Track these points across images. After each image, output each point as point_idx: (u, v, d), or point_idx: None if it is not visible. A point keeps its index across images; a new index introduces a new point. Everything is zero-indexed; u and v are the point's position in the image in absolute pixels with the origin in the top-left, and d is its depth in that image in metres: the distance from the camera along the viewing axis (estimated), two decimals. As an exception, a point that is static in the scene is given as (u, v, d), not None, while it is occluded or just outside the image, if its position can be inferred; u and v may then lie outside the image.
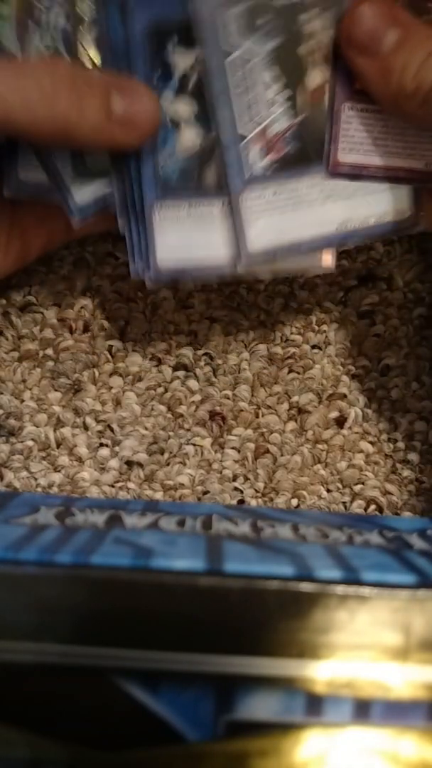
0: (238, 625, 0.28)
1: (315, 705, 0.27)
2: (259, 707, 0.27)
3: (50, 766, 0.27)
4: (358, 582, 0.28)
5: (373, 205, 0.36)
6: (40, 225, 0.39)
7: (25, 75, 0.30)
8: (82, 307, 0.44)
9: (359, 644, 0.28)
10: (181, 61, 0.33)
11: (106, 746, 0.27)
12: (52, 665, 0.27)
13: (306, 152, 0.35)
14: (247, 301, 0.44)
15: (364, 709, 0.27)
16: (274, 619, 0.27)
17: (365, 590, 0.28)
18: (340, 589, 0.28)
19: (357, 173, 0.35)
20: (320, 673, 0.27)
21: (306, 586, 0.28)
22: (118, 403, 0.44)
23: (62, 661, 0.27)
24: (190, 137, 0.34)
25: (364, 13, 0.32)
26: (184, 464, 0.44)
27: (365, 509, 0.44)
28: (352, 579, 0.28)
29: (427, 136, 0.34)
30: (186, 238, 0.36)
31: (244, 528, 0.34)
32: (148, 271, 0.36)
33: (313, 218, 0.35)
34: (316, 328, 0.44)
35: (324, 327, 0.44)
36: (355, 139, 0.34)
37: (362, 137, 0.34)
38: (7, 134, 0.31)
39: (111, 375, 0.44)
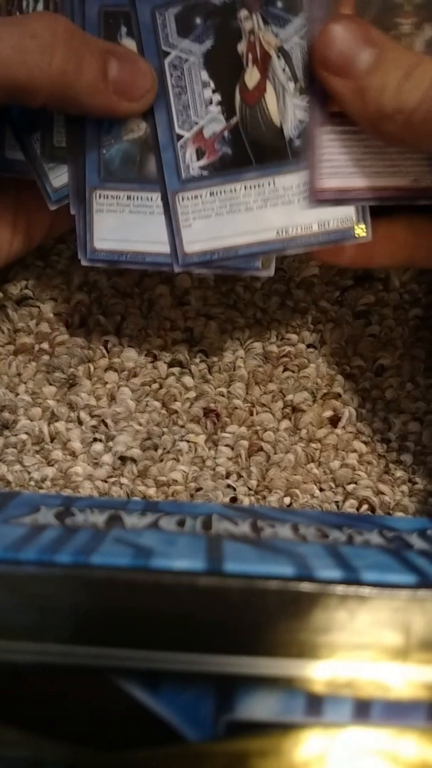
0: (238, 625, 0.28)
1: (315, 705, 0.27)
2: (259, 707, 0.27)
3: (50, 766, 0.27)
4: (358, 582, 0.28)
5: (315, 212, 0.35)
6: (43, 209, 0.38)
7: (23, 30, 0.30)
8: (78, 302, 0.44)
9: (359, 644, 0.28)
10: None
11: (106, 746, 0.27)
12: (52, 665, 0.27)
13: (244, 155, 0.34)
14: (243, 299, 0.44)
15: (364, 709, 0.28)
16: (274, 619, 0.27)
17: (365, 590, 0.28)
18: (340, 589, 0.28)
19: (341, 197, 0.34)
20: (320, 673, 0.27)
21: (306, 586, 0.28)
22: (112, 398, 0.44)
23: (62, 661, 0.27)
24: (135, 121, 0.34)
25: (336, 34, 0.31)
26: (178, 461, 0.44)
27: (357, 509, 0.44)
28: (352, 579, 0.28)
29: (411, 151, 0.34)
30: (124, 226, 0.35)
31: (244, 528, 0.34)
32: (84, 252, 0.36)
33: (251, 223, 0.35)
34: (312, 327, 0.44)
35: (320, 326, 0.44)
36: (336, 162, 0.34)
37: (343, 160, 0.34)
38: (5, 92, 0.30)
39: (106, 370, 0.44)
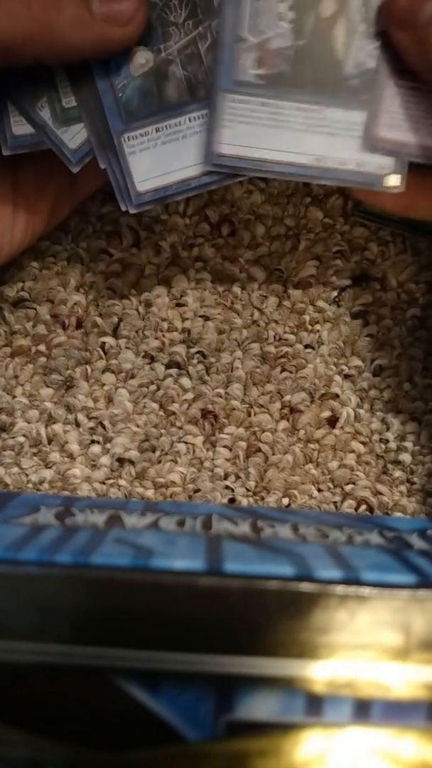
0: (238, 625, 0.27)
1: (315, 705, 0.27)
2: (259, 707, 0.27)
3: (50, 766, 0.27)
4: (358, 582, 0.28)
5: (353, 151, 0.35)
6: (44, 190, 0.39)
7: None
8: (75, 304, 0.44)
9: (359, 644, 0.28)
10: None
11: (106, 746, 0.27)
12: (52, 665, 0.27)
13: (301, 77, 0.34)
14: (240, 300, 0.44)
15: (364, 709, 0.28)
16: (274, 619, 0.27)
17: (365, 590, 0.28)
18: (340, 589, 0.28)
19: (396, 150, 0.35)
20: (320, 673, 0.27)
21: (306, 586, 0.28)
22: (110, 400, 0.44)
23: (62, 661, 0.27)
24: (142, 55, 0.34)
25: None
26: (176, 462, 0.44)
27: (356, 509, 0.44)
28: (352, 579, 0.28)
29: None
30: (161, 159, 0.35)
31: (244, 528, 0.34)
32: (130, 200, 0.36)
33: (291, 143, 0.35)
34: (310, 327, 0.44)
35: (317, 327, 0.44)
36: (397, 116, 0.34)
37: (405, 115, 0.34)
38: None
39: (103, 372, 0.44)
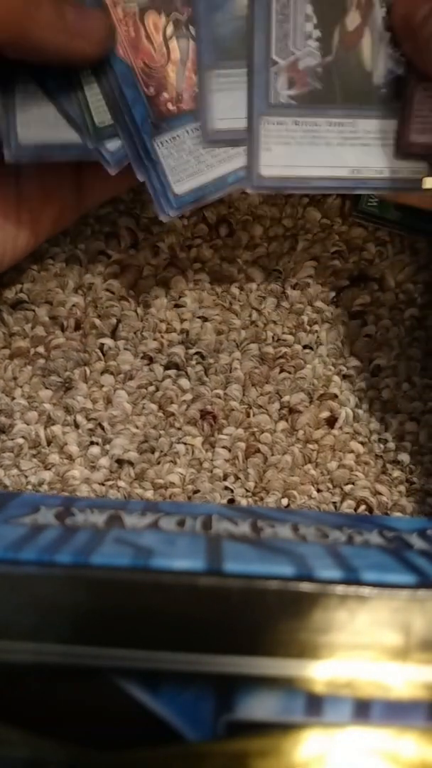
0: (238, 625, 0.27)
1: (315, 705, 0.27)
2: (259, 707, 0.27)
3: (50, 766, 0.27)
4: (358, 582, 0.28)
5: (389, 158, 0.36)
6: (49, 201, 0.39)
7: None
8: (73, 305, 0.44)
9: (359, 644, 0.28)
10: None
11: (106, 746, 0.27)
12: (52, 665, 0.27)
13: (332, 92, 0.35)
14: (239, 301, 0.44)
15: (364, 709, 0.27)
16: (274, 619, 0.27)
17: (365, 590, 0.28)
18: (340, 589, 0.28)
19: (429, 153, 0.35)
20: (320, 673, 0.27)
21: (306, 586, 0.28)
22: (109, 401, 0.44)
23: (62, 661, 0.27)
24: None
25: (399, 1, 0.33)
26: (175, 463, 0.44)
27: (355, 509, 0.44)
28: (352, 579, 0.28)
29: None
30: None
31: (244, 528, 0.34)
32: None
33: (327, 157, 0.36)
34: (308, 328, 0.44)
35: (315, 327, 0.44)
36: (429, 119, 0.35)
37: None
38: None
39: (102, 373, 0.44)
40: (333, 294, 0.45)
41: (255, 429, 0.44)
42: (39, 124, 0.35)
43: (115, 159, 0.36)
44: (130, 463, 0.44)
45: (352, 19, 0.34)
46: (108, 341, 0.44)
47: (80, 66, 0.34)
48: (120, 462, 0.44)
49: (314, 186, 0.36)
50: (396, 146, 0.36)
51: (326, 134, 0.36)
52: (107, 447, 0.44)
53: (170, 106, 0.35)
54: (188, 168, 0.36)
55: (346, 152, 0.36)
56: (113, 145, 0.35)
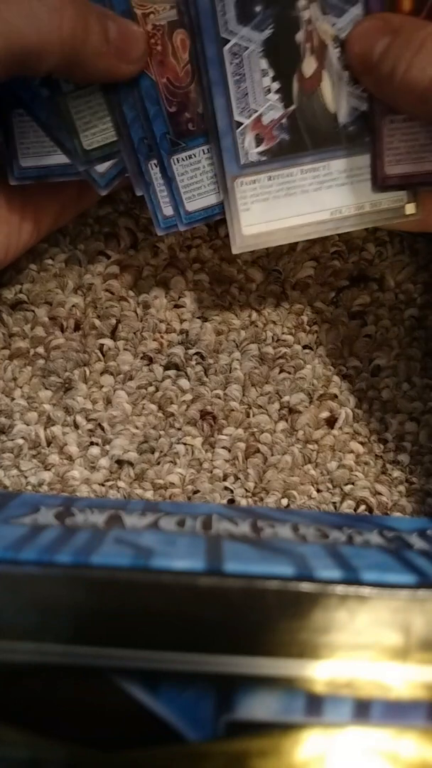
0: (238, 625, 0.27)
1: (315, 705, 0.27)
2: (259, 707, 0.27)
3: (50, 766, 0.27)
4: (358, 582, 0.28)
5: (366, 193, 0.36)
6: (52, 195, 0.39)
7: None
8: (73, 306, 0.44)
9: (359, 644, 0.28)
10: None
11: (106, 746, 0.27)
12: (52, 665, 0.27)
13: (300, 141, 0.35)
14: (238, 301, 0.44)
15: (364, 709, 0.27)
16: (274, 619, 0.27)
17: (365, 590, 0.28)
18: (340, 589, 0.28)
19: (405, 182, 0.35)
20: (320, 673, 0.27)
21: (306, 586, 0.28)
22: (108, 401, 0.44)
23: (62, 661, 0.27)
24: None
25: (354, 35, 0.33)
26: (175, 463, 0.44)
27: (355, 509, 0.44)
28: (352, 579, 0.28)
29: None
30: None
31: (244, 528, 0.34)
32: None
33: (306, 205, 0.36)
34: (308, 328, 0.44)
35: (315, 327, 0.44)
36: (400, 150, 0.35)
37: (407, 147, 0.35)
38: (16, 60, 0.30)
39: (102, 374, 0.44)
40: (333, 294, 0.45)
41: (255, 429, 0.44)
42: (37, 149, 0.36)
43: (104, 181, 0.37)
44: (130, 464, 0.44)
45: (309, 65, 0.34)
46: (108, 342, 0.44)
47: (116, 82, 0.34)
48: (120, 462, 0.44)
49: (299, 234, 0.37)
50: (373, 181, 0.36)
51: (301, 182, 0.36)
52: (107, 447, 0.44)
53: (190, 126, 0.35)
54: (201, 187, 0.37)
55: (323, 196, 0.36)
56: (102, 167, 0.36)
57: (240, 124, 0.35)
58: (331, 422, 0.44)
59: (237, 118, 0.35)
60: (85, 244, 0.44)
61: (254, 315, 0.44)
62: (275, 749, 0.27)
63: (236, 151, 0.35)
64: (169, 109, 0.35)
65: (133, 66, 0.33)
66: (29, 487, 0.43)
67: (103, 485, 0.43)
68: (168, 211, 0.37)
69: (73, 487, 0.43)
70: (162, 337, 0.44)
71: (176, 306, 0.44)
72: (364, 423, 0.44)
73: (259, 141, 0.35)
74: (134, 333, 0.44)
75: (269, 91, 0.34)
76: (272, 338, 0.44)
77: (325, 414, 0.44)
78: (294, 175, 0.36)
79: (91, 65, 0.32)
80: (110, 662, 0.27)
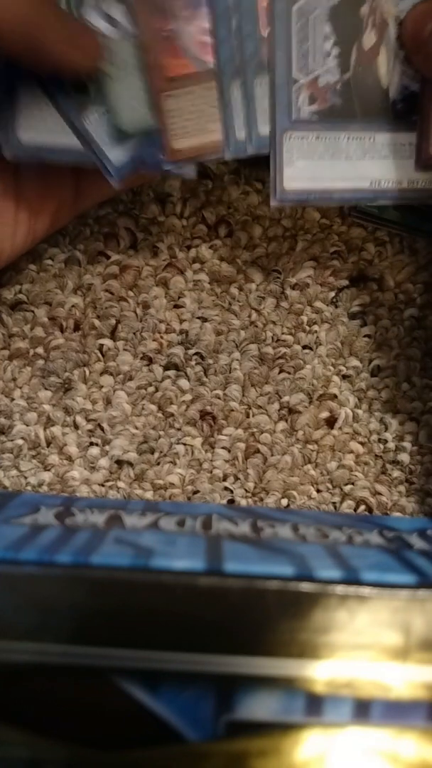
0: (238, 625, 0.27)
1: (315, 705, 0.27)
2: (259, 707, 0.27)
3: (50, 766, 0.27)
4: (358, 582, 0.28)
5: (407, 169, 0.37)
6: (46, 198, 0.39)
7: None
8: (72, 306, 0.44)
9: (359, 644, 0.28)
10: None
11: (106, 746, 0.27)
12: (52, 665, 0.27)
13: (351, 108, 0.36)
14: (238, 301, 0.44)
15: (364, 709, 0.27)
16: (274, 619, 0.27)
17: (365, 590, 0.28)
18: (340, 589, 0.28)
19: None
20: (320, 673, 0.27)
21: (306, 586, 0.28)
22: (108, 402, 0.44)
23: (62, 661, 0.27)
24: None
25: (409, 16, 0.34)
26: (175, 464, 0.44)
27: (355, 509, 0.44)
28: (352, 579, 0.28)
29: None
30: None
31: (244, 528, 0.34)
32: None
33: (348, 171, 0.37)
34: (307, 328, 0.44)
35: (315, 327, 0.44)
36: None
37: None
38: None
39: (101, 374, 0.44)
40: (332, 294, 0.45)
41: (254, 429, 0.44)
42: (40, 126, 0.35)
43: (119, 171, 0.36)
44: (130, 464, 0.44)
45: (369, 38, 0.35)
46: (107, 342, 0.44)
47: (71, 76, 0.34)
48: (119, 463, 0.44)
49: (336, 198, 0.38)
50: (416, 160, 0.37)
51: (346, 148, 0.37)
52: (107, 448, 0.44)
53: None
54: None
55: (365, 165, 0.37)
56: (118, 156, 0.36)
57: (297, 80, 0.35)
58: (330, 422, 0.44)
59: (295, 74, 0.35)
60: (84, 244, 0.44)
61: (254, 315, 0.44)
62: (275, 749, 0.27)
63: (290, 105, 0.36)
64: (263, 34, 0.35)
65: (92, 61, 0.34)
66: (29, 488, 0.43)
67: (102, 486, 0.43)
68: (240, 134, 0.37)
69: (72, 488, 0.43)
70: (162, 337, 0.44)
71: (176, 306, 0.44)
72: (363, 423, 0.44)
73: (312, 100, 0.36)
74: (134, 333, 0.44)
75: (329, 55, 0.35)
76: (272, 338, 0.44)
77: (324, 414, 0.44)
78: (340, 139, 0.36)
79: (52, 49, 0.32)
80: (110, 662, 0.27)
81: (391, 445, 0.44)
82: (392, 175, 0.37)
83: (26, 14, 0.31)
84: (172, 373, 0.44)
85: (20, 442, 0.43)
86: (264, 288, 0.44)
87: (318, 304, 0.44)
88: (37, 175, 0.38)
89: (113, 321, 0.44)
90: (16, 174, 0.38)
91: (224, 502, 0.44)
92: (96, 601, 0.27)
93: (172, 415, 0.44)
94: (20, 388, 0.44)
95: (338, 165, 0.37)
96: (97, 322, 0.44)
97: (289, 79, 0.35)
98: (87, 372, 0.44)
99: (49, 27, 0.32)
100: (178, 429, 0.44)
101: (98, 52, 0.34)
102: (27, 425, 0.44)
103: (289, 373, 0.44)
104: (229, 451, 0.44)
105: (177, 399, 0.44)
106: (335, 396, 0.44)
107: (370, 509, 0.44)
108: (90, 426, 0.44)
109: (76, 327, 0.44)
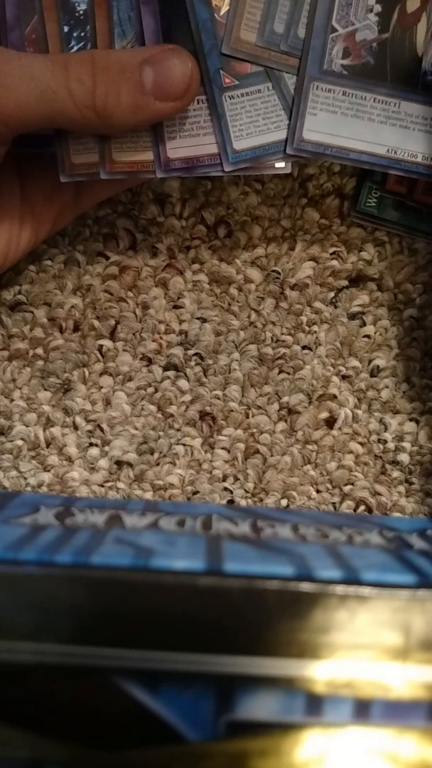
0: (238, 625, 0.27)
1: (315, 705, 0.27)
2: (259, 707, 0.27)
3: (50, 766, 0.27)
4: (358, 582, 0.28)
5: (425, 144, 0.37)
6: (50, 201, 0.39)
7: (68, 70, 0.32)
8: (72, 307, 0.44)
9: (359, 644, 0.28)
10: None
11: (106, 746, 0.27)
12: (52, 665, 0.27)
13: (383, 70, 0.36)
14: (237, 302, 0.44)
15: (364, 709, 0.27)
16: (274, 619, 0.27)
17: (365, 590, 0.28)
18: (340, 589, 0.28)
19: None
20: (320, 673, 0.27)
21: (306, 586, 0.28)
22: (108, 402, 0.44)
23: (62, 661, 0.27)
24: None
25: None
26: (174, 464, 0.44)
27: (354, 510, 0.44)
28: (352, 579, 0.28)
29: None
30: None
31: (244, 528, 0.34)
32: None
33: (367, 133, 0.37)
34: (307, 328, 0.44)
35: (314, 328, 0.44)
36: None
37: None
38: (57, 124, 0.33)
39: (101, 375, 0.44)
40: (332, 294, 0.45)
41: (254, 430, 0.44)
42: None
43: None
44: (130, 465, 0.44)
45: (413, 2, 0.35)
46: (107, 342, 0.44)
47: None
48: (119, 463, 0.44)
49: (350, 158, 0.37)
50: None
51: (371, 110, 0.36)
52: (106, 448, 0.44)
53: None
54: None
55: (386, 131, 0.37)
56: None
57: (335, 30, 0.35)
58: (330, 423, 0.44)
59: (334, 23, 0.35)
60: (84, 245, 0.44)
61: (253, 315, 0.44)
62: (275, 749, 0.27)
63: (323, 54, 0.35)
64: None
65: (180, 103, 0.34)
66: (28, 488, 0.43)
67: (102, 486, 0.43)
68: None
69: (72, 489, 0.43)
70: (161, 337, 0.44)
71: (175, 307, 0.44)
72: (363, 423, 0.44)
73: (346, 54, 0.36)
74: (133, 334, 0.44)
75: (371, 11, 0.35)
76: (271, 339, 0.44)
77: (324, 414, 0.44)
78: (366, 100, 0.36)
79: (131, 121, 0.33)
80: (110, 662, 0.27)
81: (391, 445, 0.44)
82: (410, 146, 0.37)
83: (101, 99, 0.32)
84: (171, 373, 0.44)
85: (20, 442, 0.43)
86: (263, 288, 0.44)
87: (317, 304, 0.44)
88: (40, 180, 0.38)
89: (113, 322, 0.44)
90: (21, 181, 0.38)
91: (224, 502, 0.44)
92: (96, 601, 0.27)
93: (172, 415, 0.44)
94: (20, 388, 0.44)
95: (359, 125, 0.37)
96: (96, 323, 0.44)
97: (328, 27, 0.35)
98: (86, 373, 0.44)
99: (128, 103, 0.33)
100: (178, 429, 0.44)
101: (185, 87, 0.34)
102: (27, 426, 0.44)
103: (288, 373, 0.44)
104: (229, 452, 0.44)
105: (176, 399, 0.44)
106: (335, 396, 0.44)
107: (369, 509, 0.44)
108: (89, 427, 0.44)
109: (76, 328, 0.44)
